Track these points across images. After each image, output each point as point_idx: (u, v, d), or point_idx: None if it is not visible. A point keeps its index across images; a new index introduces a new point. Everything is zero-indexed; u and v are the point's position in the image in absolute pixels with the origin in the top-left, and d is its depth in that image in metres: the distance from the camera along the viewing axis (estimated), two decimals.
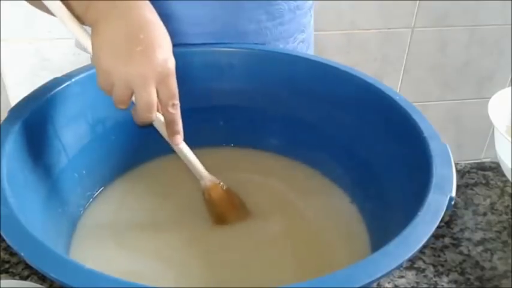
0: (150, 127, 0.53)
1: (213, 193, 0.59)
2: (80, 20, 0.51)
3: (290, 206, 0.62)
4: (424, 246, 0.48)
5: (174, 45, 0.50)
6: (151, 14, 0.50)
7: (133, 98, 0.49)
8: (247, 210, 0.60)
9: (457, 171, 0.75)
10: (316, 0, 0.78)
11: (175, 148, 0.56)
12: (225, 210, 0.59)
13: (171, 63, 0.49)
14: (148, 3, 0.50)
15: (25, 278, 0.57)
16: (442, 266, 0.61)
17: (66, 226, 0.56)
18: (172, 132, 0.53)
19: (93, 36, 0.49)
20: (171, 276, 0.53)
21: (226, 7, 0.66)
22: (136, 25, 0.48)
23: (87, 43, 0.50)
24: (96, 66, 0.48)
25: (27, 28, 1.30)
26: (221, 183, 0.60)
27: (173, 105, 0.50)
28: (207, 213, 0.59)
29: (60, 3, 0.49)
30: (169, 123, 0.52)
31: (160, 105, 0.50)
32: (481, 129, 1.70)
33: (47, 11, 0.51)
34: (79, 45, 0.53)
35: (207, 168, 0.59)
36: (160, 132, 0.55)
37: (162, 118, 0.53)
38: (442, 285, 0.58)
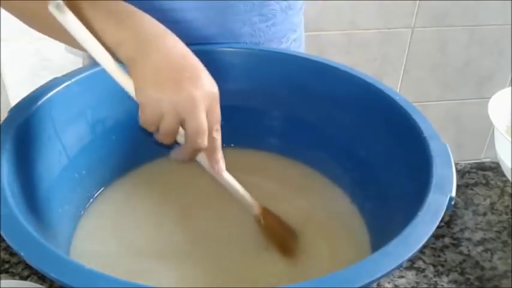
0: (192, 160, 0.52)
1: (264, 219, 0.57)
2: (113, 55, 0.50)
3: (290, 206, 0.62)
4: (424, 246, 0.48)
5: None
6: (184, 46, 0.50)
7: (177, 138, 0.49)
8: (295, 233, 0.58)
9: (457, 171, 0.75)
10: (310, 0, 0.78)
11: (218, 178, 0.55)
12: (284, 235, 0.57)
13: (216, 87, 0.49)
14: (177, 38, 0.50)
15: (25, 278, 0.57)
16: (442, 266, 0.61)
17: (67, 226, 0.56)
18: (216, 160, 0.52)
19: (133, 72, 0.48)
20: (172, 277, 0.53)
21: (220, 10, 0.66)
22: (176, 54, 0.48)
23: (127, 83, 0.49)
24: (142, 99, 0.47)
25: (27, 28, 1.30)
26: (268, 210, 0.58)
27: (217, 130, 0.50)
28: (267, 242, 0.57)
29: (96, 42, 0.48)
30: (212, 150, 0.51)
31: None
32: (481, 129, 1.70)
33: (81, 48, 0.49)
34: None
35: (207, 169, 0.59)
36: (202, 162, 0.53)
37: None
38: (442, 285, 0.58)
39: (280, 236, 0.57)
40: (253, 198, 0.57)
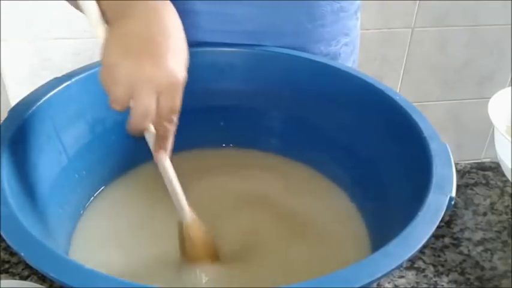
0: (140, 138, 0.49)
1: (191, 231, 0.52)
2: (104, 18, 0.48)
3: (289, 206, 0.62)
4: (424, 246, 0.48)
5: None
6: (176, 28, 0.48)
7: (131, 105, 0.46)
8: (218, 255, 0.55)
9: (457, 171, 0.75)
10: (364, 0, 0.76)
11: (159, 166, 0.50)
12: (199, 252, 0.53)
13: (182, 75, 0.46)
14: (177, 19, 0.48)
15: (25, 278, 0.57)
16: (442, 266, 0.61)
17: (66, 226, 0.56)
18: (159, 147, 0.49)
19: (110, 31, 0.47)
20: (171, 277, 0.53)
21: (264, 6, 0.65)
22: (156, 28, 0.46)
23: (100, 31, 0.47)
24: (103, 59, 0.46)
25: (27, 28, 1.30)
26: (199, 222, 0.53)
27: (171, 120, 0.47)
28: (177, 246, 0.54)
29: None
30: (161, 137, 0.48)
31: (157, 117, 0.46)
32: (481, 129, 1.70)
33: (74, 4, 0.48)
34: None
35: (207, 169, 0.59)
36: (150, 145, 0.50)
37: (154, 131, 0.49)
38: (442, 285, 0.58)
39: (196, 249, 0.53)
40: (187, 205, 0.53)
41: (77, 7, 0.50)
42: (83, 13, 0.49)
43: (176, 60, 0.46)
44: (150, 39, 0.45)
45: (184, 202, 0.52)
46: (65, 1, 0.57)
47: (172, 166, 0.51)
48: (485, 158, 1.78)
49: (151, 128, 0.48)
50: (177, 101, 0.46)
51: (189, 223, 0.52)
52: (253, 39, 0.67)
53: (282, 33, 0.67)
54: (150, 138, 0.49)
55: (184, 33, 0.48)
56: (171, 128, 0.48)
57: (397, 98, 0.57)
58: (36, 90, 0.55)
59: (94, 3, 0.47)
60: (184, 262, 0.53)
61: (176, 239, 0.54)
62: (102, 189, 0.63)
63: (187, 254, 0.53)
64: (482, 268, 0.61)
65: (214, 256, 0.54)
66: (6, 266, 0.58)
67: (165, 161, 0.50)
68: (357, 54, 0.80)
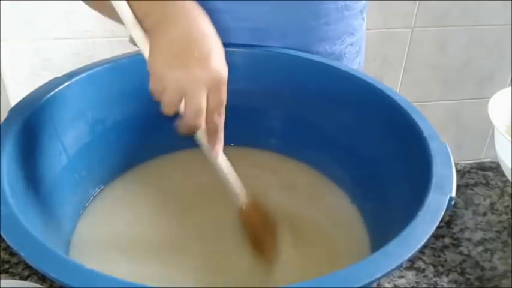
0: (191, 137, 0.52)
1: (251, 216, 0.57)
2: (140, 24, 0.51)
3: (290, 206, 0.62)
4: (424, 246, 0.48)
5: None
6: (209, 26, 0.51)
7: (181, 108, 0.49)
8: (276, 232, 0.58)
9: (457, 171, 0.75)
10: (368, 0, 0.76)
11: (213, 161, 0.55)
12: (263, 235, 0.57)
13: (225, 72, 0.49)
14: (206, 17, 0.51)
15: (25, 278, 0.57)
16: (442, 266, 0.61)
17: (66, 226, 0.56)
18: (214, 141, 0.52)
19: (151, 41, 0.49)
20: (171, 276, 0.53)
21: (269, 3, 0.65)
22: (195, 33, 0.49)
23: (145, 47, 0.50)
24: (151, 68, 0.48)
25: (27, 28, 1.30)
26: (258, 203, 0.58)
27: (219, 114, 0.50)
28: (242, 235, 0.57)
29: (126, 4, 0.49)
30: (213, 132, 0.52)
31: (208, 113, 0.50)
32: (481, 129, 1.70)
33: (108, 14, 0.51)
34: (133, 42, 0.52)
35: (207, 169, 0.59)
36: (201, 142, 0.54)
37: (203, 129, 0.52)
38: (442, 285, 0.58)
39: (257, 233, 0.57)
40: (246, 189, 0.57)
41: (109, 12, 0.53)
42: (115, 16, 0.50)
43: (218, 59, 0.49)
44: (191, 43, 0.48)
45: (241, 187, 0.57)
46: (93, 8, 0.59)
47: (226, 159, 0.55)
48: (485, 158, 1.78)
49: (203, 125, 0.51)
50: (224, 95, 0.50)
51: (243, 204, 0.57)
52: (257, 37, 0.67)
53: (286, 30, 0.68)
54: (201, 135, 0.53)
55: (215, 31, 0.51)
56: (221, 121, 0.51)
57: (397, 98, 0.57)
58: (36, 90, 0.55)
59: (126, 4, 0.49)
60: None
61: (174, 238, 0.54)
62: (102, 189, 0.63)
63: (252, 242, 0.56)
64: (482, 268, 0.61)
65: (274, 235, 0.57)
66: (6, 266, 0.58)
67: (219, 156, 0.54)
68: (363, 56, 0.80)
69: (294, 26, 0.68)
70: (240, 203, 0.57)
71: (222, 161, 0.55)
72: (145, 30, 0.50)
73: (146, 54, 0.50)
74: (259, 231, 0.57)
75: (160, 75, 0.48)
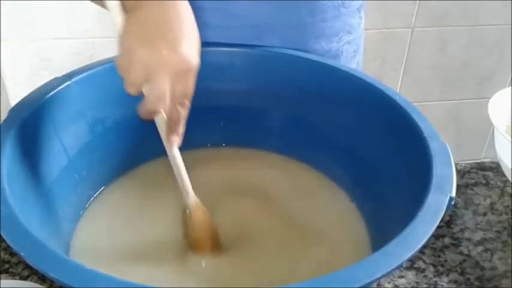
0: (151, 123, 0.51)
1: (195, 216, 0.54)
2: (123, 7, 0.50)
3: (290, 206, 0.62)
4: (424, 246, 0.48)
5: None
6: (188, 12, 0.49)
7: (144, 90, 0.48)
8: (219, 244, 0.56)
9: (457, 171, 0.75)
10: (366, 0, 0.76)
11: (168, 152, 0.52)
12: (202, 237, 0.54)
13: (196, 60, 0.48)
14: (188, 7, 0.50)
15: (25, 278, 0.57)
16: (442, 266, 0.61)
17: (66, 226, 0.56)
18: (172, 131, 0.50)
19: (127, 18, 0.48)
20: (171, 277, 0.53)
21: (265, 1, 0.65)
22: (171, 15, 0.48)
23: (119, 20, 0.49)
24: (120, 43, 0.48)
25: (27, 28, 1.30)
26: (204, 208, 0.55)
27: (183, 104, 0.49)
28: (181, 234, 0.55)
29: None
30: (173, 121, 0.50)
31: (171, 101, 0.48)
32: (481, 129, 1.70)
33: None
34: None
35: (206, 168, 0.59)
36: (160, 131, 0.52)
37: (165, 116, 0.50)
38: (442, 285, 0.58)
39: (199, 234, 0.54)
40: (193, 191, 0.54)
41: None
42: (102, 3, 0.50)
43: (190, 45, 0.48)
44: (165, 25, 0.47)
45: (190, 187, 0.54)
46: None
47: (179, 153, 0.52)
48: (485, 158, 1.78)
49: (163, 112, 0.50)
50: (191, 85, 0.48)
51: (194, 207, 0.54)
52: (254, 34, 0.67)
53: (282, 27, 0.67)
54: (160, 122, 0.51)
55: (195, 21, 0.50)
56: (184, 112, 0.50)
57: (397, 98, 0.57)
58: (36, 90, 0.55)
59: None
60: (186, 251, 0.54)
61: (174, 238, 0.54)
62: (102, 190, 0.63)
63: (190, 239, 0.54)
64: (482, 268, 0.61)
65: (217, 244, 0.55)
66: (6, 266, 0.58)
67: (176, 143, 0.51)
68: (361, 56, 0.80)
69: (290, 22, 0.68)
70: (189, 201, 0.54)
71: (176, 154, 0.52)
72: (126, 10, 0.49)
73: (119, 27, 0.49)
74: (198, 233, 0.54)
75: (128, 51, 0.47)
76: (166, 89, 0.47)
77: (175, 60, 0.46)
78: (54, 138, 0.55)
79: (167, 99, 0.48)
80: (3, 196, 0.42)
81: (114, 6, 0.49)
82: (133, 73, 0.47)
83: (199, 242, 0.54)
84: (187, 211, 0.54)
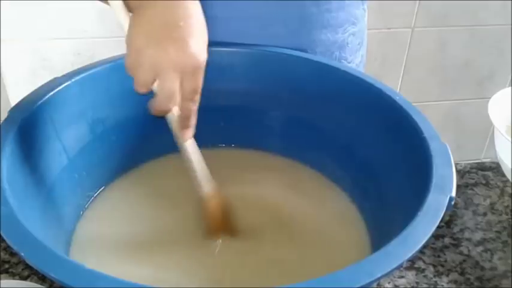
0: (162, 119, 0.52)
1: (212, 207, 0.56)
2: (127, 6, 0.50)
3: (290, 206, 0.62)
4: (424, 246, 0.48)
5: None
6: (196, 9, 0.49)
7: (154, 87, 0.48)
8: (236, 228, 0.58)
9: (457, 171, 0.75)
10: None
11: (180, 146, 0.54)
12: (220, 224, 0.57)
13: (204, 57, 0.48)
14: (196, 2, 0.50)
15: (25, 278, 0.57)
16: (442, 266, 0.61)
17: (66, 226, 0.56)
18: (184, 126, 0.51)
19: (133, 17, 0.48)
20: (171, 277, 0.53)
21: None
22: (178, 14, 0.48)
23: (125, 22, 0.49)
24: (128, 44, 0.48)
25: (27, 28, 1.30)
26: (222, 194, 0.57)
27: (193, 100, 0.49)
28: (202, 222, 0.57)
29: None
30: (184, 117, 0.51)
31: (181, 98, 0.49)
32: (481, 129, 1.70)
33: None
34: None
35: (208, 169, 0.59)
36: (172, 127, 0.53)
37: (176, 113, 0.51)
38: (442, 285, 0.58)
39: (215, 225, 0.57)
40: (212, 179, 0.56)
41: None
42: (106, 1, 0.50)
43: (198, 43, 0.48)
44: (172, 24, 0.47)
45: (209, 175, 0.56)
46: None
47: (195, 145, 0.54)
48: (485, 158, 1.78)
49: (175, 109, 0.51)
50: (200, 82, 0.49)
51: (213, 194, 0.56)
52: (259, 25, 0.67)
53: (288, 17, 0.67)
54: (171, 118, 0.52)
55: (203, 16, 0.50)
56: (194, 108, 0.50)
57: (397, 98, 0.57)
58: (36, 90, 0.55)
59: None
60: (189, 250, 0.56)
61: (176, 239, 0.54)
62: (102, 190, 0.63)
63: (209, 226, 0.56)
64: (482, 268, 0.61)
65: (233, 229, 0.57)
66: (6, 266, 0.58)
67: (189, 138, 0.53)
68: (365, 49, 0.80)
69: (295, 12, 0.67)
70: (204, 193, 0.56)
71: (190, 147, 0.54)
72: (131, 9, 0.49)
73: (126, 26, 0.49)
74: (217, 224, 0.57)
75: (137, 50, 0.47)
76: (176, 87, 0.48)
77: (183, 59, 0.47)
78: (54, 138, 0.55)
79: (177, 98, 0.49)
80: (3, 196, 0.42)
81: (118, 5, 0.49)
82: (142, 73, 0.47)
83: (219, 228, 0.56)
84: (208, 197, 0.56)
